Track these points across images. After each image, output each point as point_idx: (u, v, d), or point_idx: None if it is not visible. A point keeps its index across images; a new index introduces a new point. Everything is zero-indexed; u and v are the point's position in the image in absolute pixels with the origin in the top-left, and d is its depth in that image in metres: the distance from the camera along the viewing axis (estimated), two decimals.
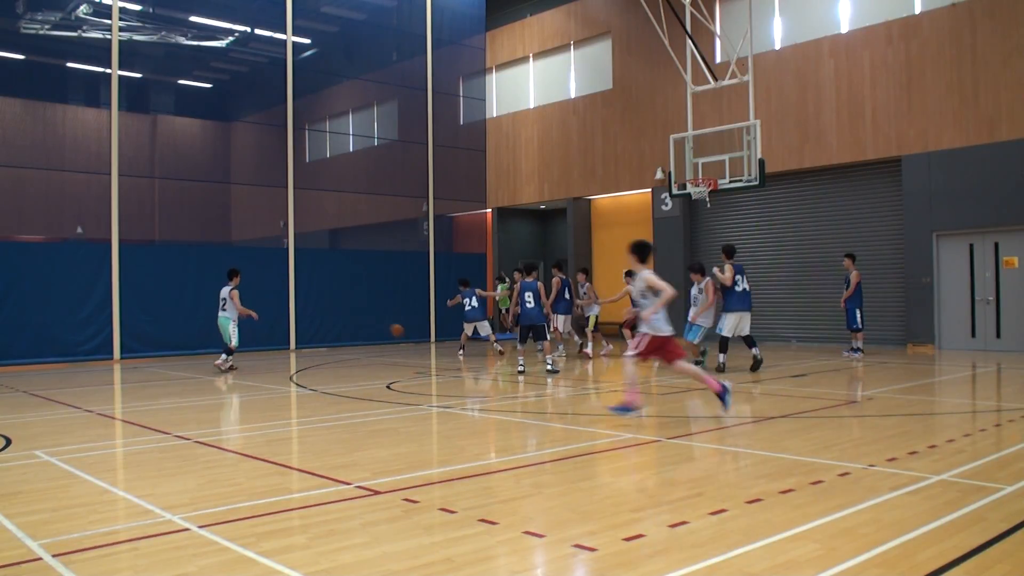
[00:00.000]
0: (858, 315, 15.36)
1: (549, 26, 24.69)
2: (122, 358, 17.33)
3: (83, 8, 18.79)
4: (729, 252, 13.27)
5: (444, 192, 23.58)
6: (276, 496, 5.46)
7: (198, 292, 18.67)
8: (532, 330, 13.36)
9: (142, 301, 17.79)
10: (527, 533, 4.47)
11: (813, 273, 19.13)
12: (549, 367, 13.17)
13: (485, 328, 16.99)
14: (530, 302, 13.30)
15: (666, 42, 17.33)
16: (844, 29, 18.26)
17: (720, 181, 16.25)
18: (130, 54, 19.06)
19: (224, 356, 14.52)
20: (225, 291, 14.30)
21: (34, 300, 16.47)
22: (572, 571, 3.95)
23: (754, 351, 13.01)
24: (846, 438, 7.16)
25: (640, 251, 8.48)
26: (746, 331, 13.07)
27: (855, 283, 15.34)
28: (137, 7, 19.93)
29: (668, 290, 8.08)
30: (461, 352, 16.99)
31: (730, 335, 12.97)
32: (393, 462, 6.40)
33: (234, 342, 14.40)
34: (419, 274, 22.83)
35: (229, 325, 14.32)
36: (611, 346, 17.18)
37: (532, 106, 25.19)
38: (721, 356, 12.83)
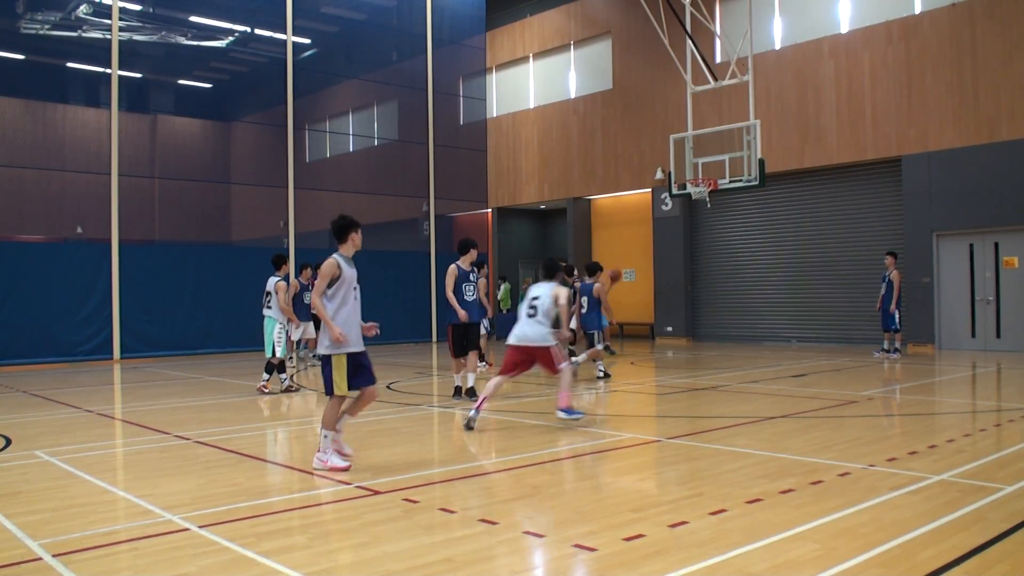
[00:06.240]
0: (897, 315, 15.30)
1: (549, 26, 24.69)
2: (122, 358, 17.32)
3: (83, 8, 18.78)
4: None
5: (444, 192, 23.59)
6: (276, 496, 5.46)
7: (198, 292, 18.70)
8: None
9: (142, 301, 17.79)
10: (527, 533, 4.47)
11: (813, 273, 19.12)
12: None
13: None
14: (584, 307, 12.43)
15: (666, 42, 17.32)
16: (844, 29, 18.25)
17: (720, 181, 16.24)
18: (130, 54, 19.06)
19: (282, 377, 11.38)
20: (271, 283, 11.22)
21: (34, 300, 16.46)
22: (572, 571, 3.95)
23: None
24: (846, 438, 7.16)
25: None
26: None
27: (898, 283, 15.29)
28: (137, 7, 19.93)
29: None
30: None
31: None
32: (393, 462, 6.40)
33: (279, 352, 11.13)
34: (420, 274, 22.84)
35: (274, 329, 11.11)
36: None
37: (532, 106, 25.17)
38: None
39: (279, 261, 11.42)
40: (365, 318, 6.51)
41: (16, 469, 6.47)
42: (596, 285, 12.45)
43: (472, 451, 7.18)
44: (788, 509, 4.81)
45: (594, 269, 12.70)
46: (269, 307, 11.20)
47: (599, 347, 12.53)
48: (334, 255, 6.29)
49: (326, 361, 6.17)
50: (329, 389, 6.16)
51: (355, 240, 6.45)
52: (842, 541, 4.19)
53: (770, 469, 5.92)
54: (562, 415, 8.18)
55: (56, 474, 6.22)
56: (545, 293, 8.28)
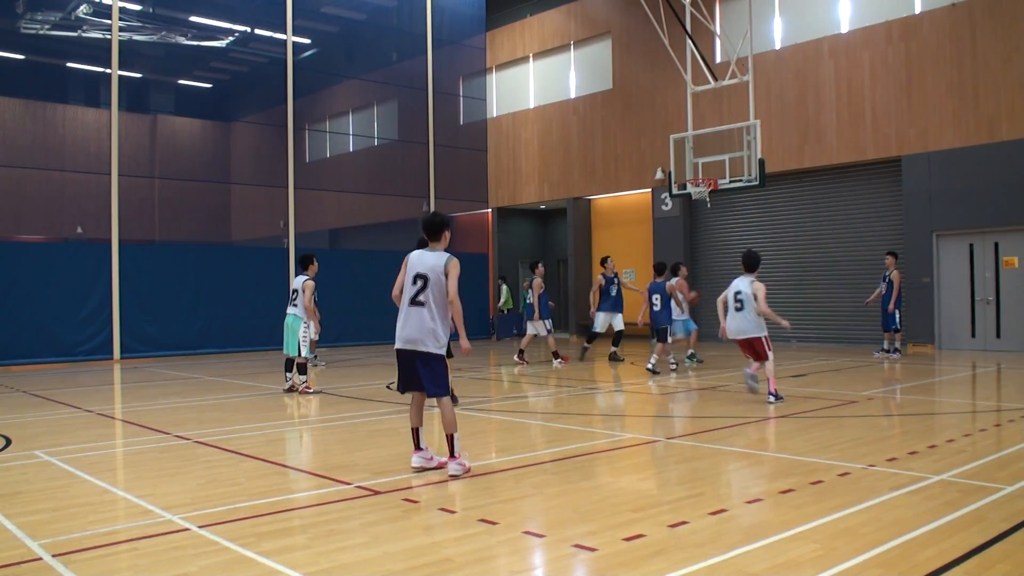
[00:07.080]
0: (897, 315, 15.24)
1: (549, 26, 24.69)
2: (122, 358, 17.32)
3: (83, 8, 18.78)
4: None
5: (444, 192, 23.59)
6: (276, 496, 5.46)
7: (198, 292, 18.70)
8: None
9: (142, 301, 17.79)
10: (527, 533, 4.47)
11: (813, 273, 19.12)
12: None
13: None
14: (657, 304, 13.23)
15: (666, 42, 17.32)
16: (844, 29, 18.25)
17: (720, 181, 16.25)
18: (130, 54, 19.06)
19: (288, 375, 11.36)
20: (299, 281, 11.11)
21: (34, 300, 16.46)
22: (572, 571, 3.95)
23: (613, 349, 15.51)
24: (846, 438, 7.16)
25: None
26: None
27: (899, 283, 15.24)
28: (137, 7, 19.92)
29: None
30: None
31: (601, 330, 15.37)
32: (393, 462, 6.40)
33: (304, 352, 11.01)
34: None
35: (299, 327, 10.97)
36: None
37: (532, 106, 25.18)
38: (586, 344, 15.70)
39: (306, 261, 11.38)
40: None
41: (16, 469, 6.47)
42: (669, 283, 13.43)
43: (472, 451, 7.18)
44: (788, 509, 4.81)
45: (663, 268, 13.63)
46: (295, 305, 11.08)
47: (671, 340, 13.47)
48: (450, 255, 6.07)
49: (441, 362, 5.98)
50: (447, 389, 6.07)
51: (446, 238, 6.24)
52: (842, 541, 4.19)
53: (770, 469, 5.93)
54: (771, 399, 9.08)
55: (56, 474, 6.22)
56: (747, 286, 8.82)
